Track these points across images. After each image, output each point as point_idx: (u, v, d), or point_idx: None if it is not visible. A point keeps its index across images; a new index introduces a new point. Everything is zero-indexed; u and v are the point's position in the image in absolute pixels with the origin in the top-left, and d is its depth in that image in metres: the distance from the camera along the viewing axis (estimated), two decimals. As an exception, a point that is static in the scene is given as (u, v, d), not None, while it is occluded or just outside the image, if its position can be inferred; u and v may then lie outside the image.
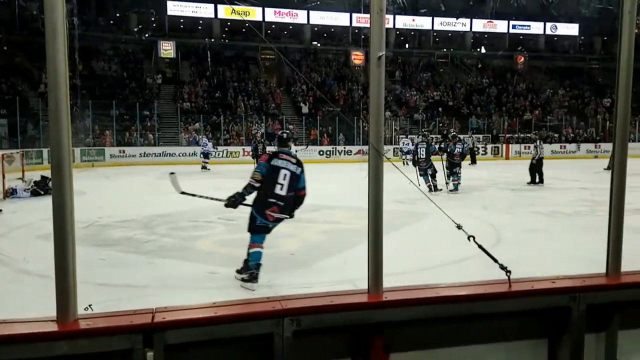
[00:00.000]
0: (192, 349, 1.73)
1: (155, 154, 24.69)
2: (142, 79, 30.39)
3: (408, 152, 22.56)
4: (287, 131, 6.06)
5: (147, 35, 34.48)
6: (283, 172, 4.98)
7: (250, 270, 4.94)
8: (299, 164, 5.11)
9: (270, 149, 19.82)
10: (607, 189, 2.18)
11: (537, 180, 13.87)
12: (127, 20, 34.69)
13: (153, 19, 35.92)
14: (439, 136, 13.46)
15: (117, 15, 35.28)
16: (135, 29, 34.23)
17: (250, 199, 5.08)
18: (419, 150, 12.28)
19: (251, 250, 4.97)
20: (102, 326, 1.64)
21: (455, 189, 12.16)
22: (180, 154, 24.76)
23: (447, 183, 12.31)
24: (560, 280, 2.13)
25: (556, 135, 31.01)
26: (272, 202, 4.93)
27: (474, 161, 23.02)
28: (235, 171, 17.78)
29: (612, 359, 2.13)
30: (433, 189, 12.11)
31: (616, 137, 2.14)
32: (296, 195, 5.10)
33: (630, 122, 2.23)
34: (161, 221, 8.55)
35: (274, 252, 6.52)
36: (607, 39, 40.23)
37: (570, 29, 40.07)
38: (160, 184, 13.55)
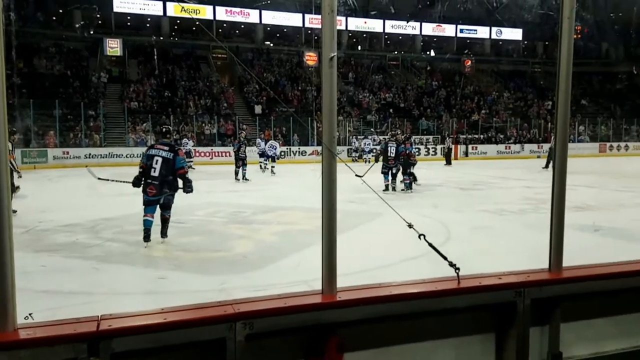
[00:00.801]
0: (141, 357, 1.68)
1: (101, 155, 23.83)
2: (87, 78, 29.27)
3: (370, 152, 24.40)
4: (166, 126, 7.96)
5: (91, 32, 33.24)
6: (155, 158, 6.53)
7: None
8: (171, 150, 6.63)
9: (262, 148, 19.34)
10: (549, 188, 2.27)
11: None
12: (70, 17, 33.32)
13: (98, 15, 34.68)
14: (388, 136, 13.83)
15: (60, 11, 33.84)
16: (78, 25, 32.92)
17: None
18: (389, 148, 12.48)
19: (143, 219, 6.64)
20: (44, 336, 1.56)
21: (409, 188, 12.41)
22: (128, 155, 23.95)
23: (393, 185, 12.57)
24: (506, 276, 2.20)
25: (502, 135, 32.25)
26: (149, 182, 6.55)
27: (449, 162, 23.80)
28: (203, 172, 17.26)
29: (555, 351, 2.22)
30: (390, 189, 12.33)
31: (557, 138, 2.24)
32: (178, 174, 6.61)
33: (570, 123, 2.33)
34: (107, 225, 8.24)
35: (226, 254, 6.43)
36: (548, 43, 42.22)
37: (514, 34, 41.77)
38: (107, 186, 13.03)
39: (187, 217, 9.03)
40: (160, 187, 6.51)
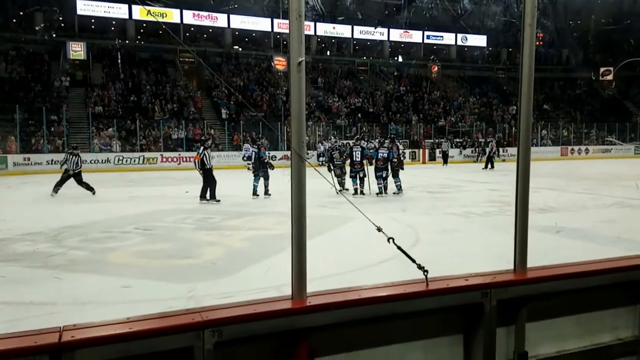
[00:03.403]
0: None
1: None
2: (49, 82, 28.45)
3: (321, 155, 25.27)
4: (258, 137, 12.52)
5: (53, 35, 32.38)
6: (252, 152, 13.67)
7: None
8: (257, 148, 13.10)
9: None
10: (513, 190, 2.32)
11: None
12: (30, 19, 32.38)
13: (60, 18, 33.82)
14: (353, 141, 14.06)
15: (20, 13, 32.83)
16: (38, 28, 32.00)
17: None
18: (354, 153, 12.56)
19: (253, 184, 12.35)
20: (3, 349, 1.50)
21: (380, 192, 12.49)
22: (93, 161, 23.39)
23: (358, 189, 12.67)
24: (472, 278, 2.23)
25: (468, 139, 32.91)
26: (249, 165, 14.52)
27: (445, 162, 26.75)
28: (171, 178, 16.91)
29: (521, 351, 2.27)
30: (359, 193, 12.42)
31: (519, 141, 2.29)
32: (261, 160, 12.43)
33: (533, 128, 2.38)
34: (71, 233, 8.01)
35: (194, 261, 6.33)
36: (511, 49, 43.41)
37: (479, 40, 42.77)
38: (70, 193, 12.68)
39: (155, 223, 8.87)
40: (255, 167, 12.42)
